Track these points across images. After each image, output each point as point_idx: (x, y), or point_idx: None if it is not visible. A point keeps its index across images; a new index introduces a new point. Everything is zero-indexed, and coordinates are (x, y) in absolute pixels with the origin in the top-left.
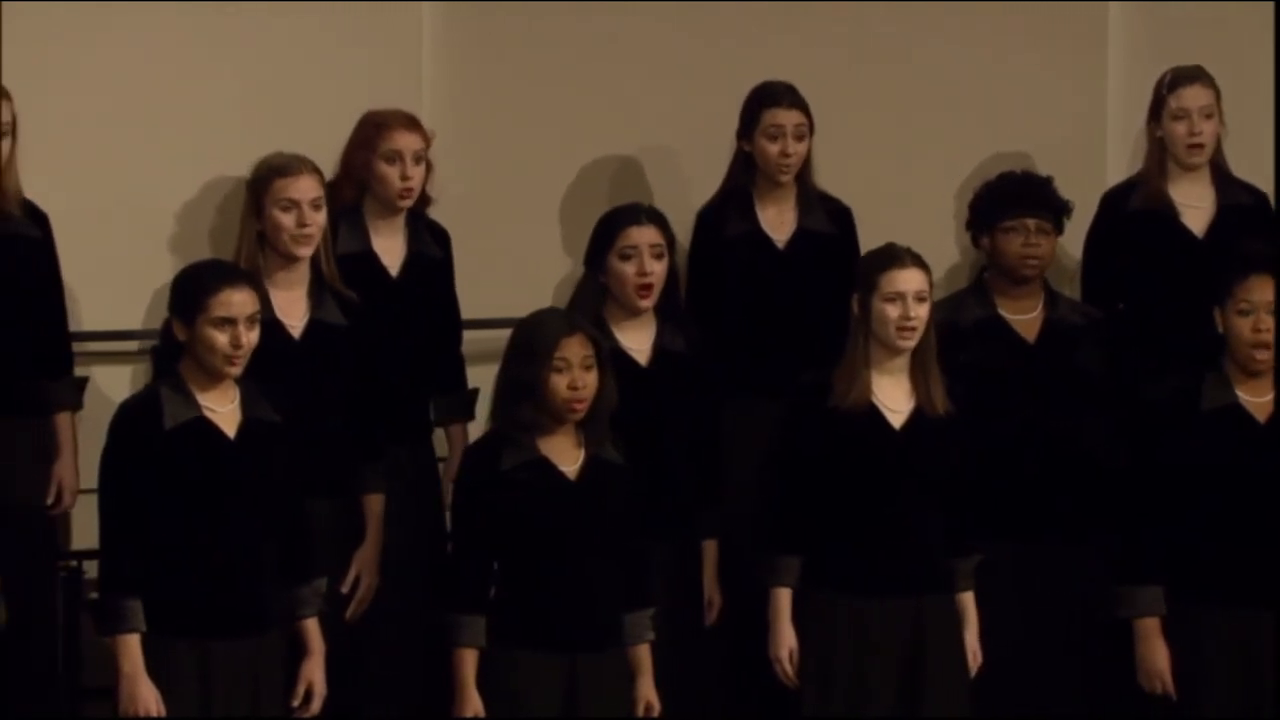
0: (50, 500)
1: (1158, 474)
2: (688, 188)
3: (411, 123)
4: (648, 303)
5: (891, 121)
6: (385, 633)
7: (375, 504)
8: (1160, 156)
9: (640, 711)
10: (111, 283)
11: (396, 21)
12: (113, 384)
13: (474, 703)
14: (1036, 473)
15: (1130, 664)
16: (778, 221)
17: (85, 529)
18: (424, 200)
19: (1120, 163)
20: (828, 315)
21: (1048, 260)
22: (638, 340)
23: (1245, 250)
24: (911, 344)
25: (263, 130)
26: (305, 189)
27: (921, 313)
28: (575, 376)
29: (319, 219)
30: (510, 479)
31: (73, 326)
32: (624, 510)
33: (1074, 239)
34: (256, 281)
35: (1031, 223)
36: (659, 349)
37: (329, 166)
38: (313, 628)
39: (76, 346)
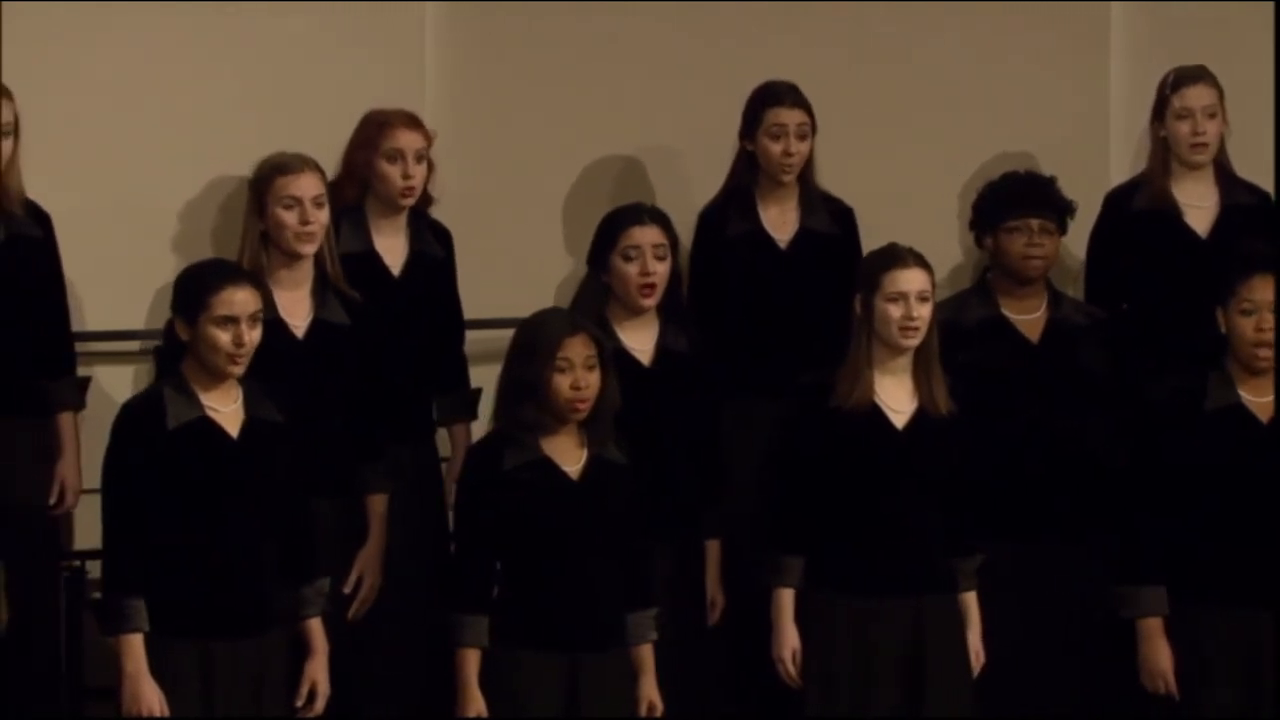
0: (52, 500)
1: (1161, 474)
2: (690, 188)
3: (413, 121)
4: (650, 302)
5: (894, 122)
6: (388, 633)
7: (378, 504)
8: (1164, 156)
9: (643, 711)
10: (114, 282)
11: (399, 21)
12: (115, 384)
13: (476, 703)
14: (1040, 473)
15: (1130, 664)
16: (780, 221)
17: (88, 529)
18: (426, 200)
19: (1123, 163)
20: (829, 315)
21: (1051, 260)
22: (640, 340)
23: (1247, 250)
24: (914, 344)
25: (265, 130)
26: (307, 186)
27: (924, 312)
28: (578, 376)
29: (322, 217)
30: (513, 479)
31: (75, 326)
32: (626, 510)
33: (1077, 239)
34: (259, 280)
35: (1035, 223)
36: (661, 349)
37: (332, 167)
38: (316, 628)
39: (79, 346)
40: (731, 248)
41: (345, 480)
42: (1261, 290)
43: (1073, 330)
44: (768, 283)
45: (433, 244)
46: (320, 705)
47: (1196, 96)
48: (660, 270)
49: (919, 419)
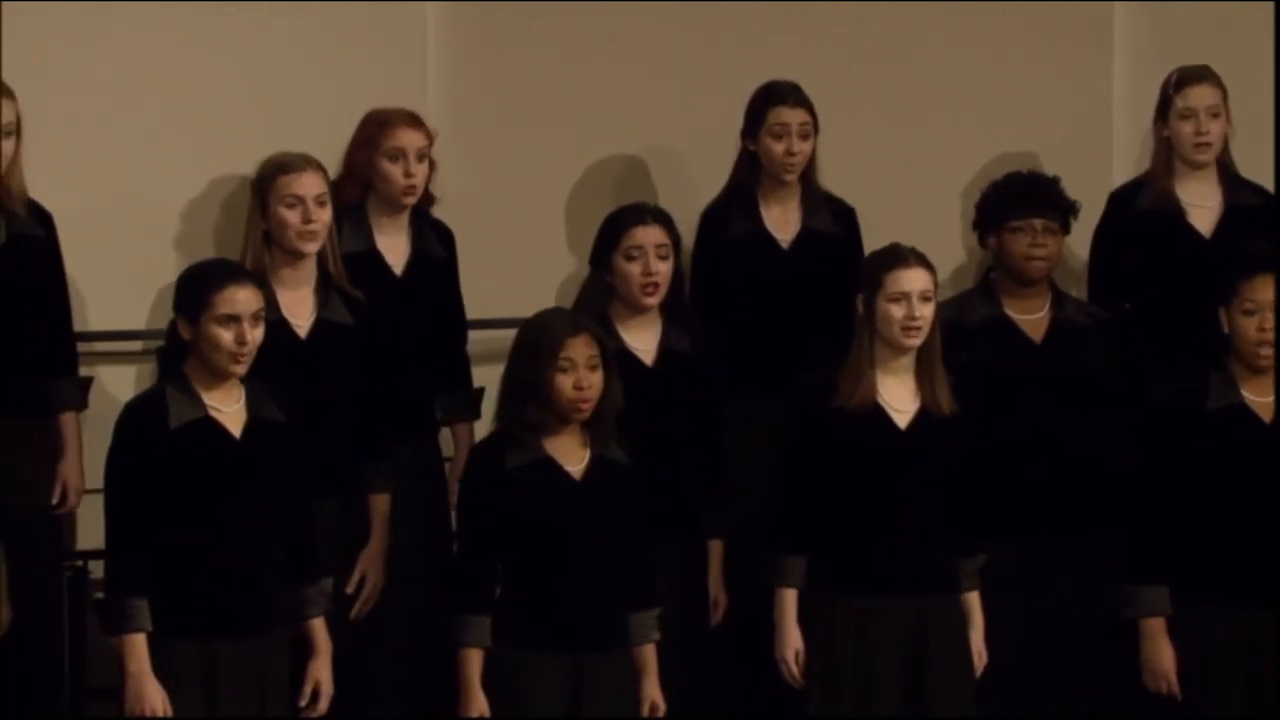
0: (55, 500)
1: (1164, 474)
2: (693, 187)
3: (414, 120)
4: (653, 302)
5: (897, 122)
6: (391, 632)
7: (381, 503)
8: (1167, 156)
9: (645, 711)
10: (116, 282)
11: (401, 21)
12: (118, 384)
13: (479, 703)
14: (1042, 473)
15: (1131, 663)
16: (782, 221)
17: (90, 529)
18: (428, 199)
19: (1126, 163)
20: (831, 315)
21: (1055, 260)
22: (643, 340)
23: (1250, 250)
24: (916, 343)
25: (268, 130)
26: (309, 185)
27: (926, 312)
28: (580, 376)
29: (324, 216)
30: (515, 479)
31: (77, 326)
32: (629, 510)
33: (1080, 239)
34: (261, 280)
35: (1038, 223)
36: (664, 349)
37: (335, 167)
38: (319, 627)
39: (81, 346)
40: (734, 247)
41: (348, 480)
42: (1264, 290)
43: (1076, 330)
44: (770, 282)
45: (434, 243)
46: (323, 705)
47: (1200, 96)
48: (663, 270)
49: (921, 419)
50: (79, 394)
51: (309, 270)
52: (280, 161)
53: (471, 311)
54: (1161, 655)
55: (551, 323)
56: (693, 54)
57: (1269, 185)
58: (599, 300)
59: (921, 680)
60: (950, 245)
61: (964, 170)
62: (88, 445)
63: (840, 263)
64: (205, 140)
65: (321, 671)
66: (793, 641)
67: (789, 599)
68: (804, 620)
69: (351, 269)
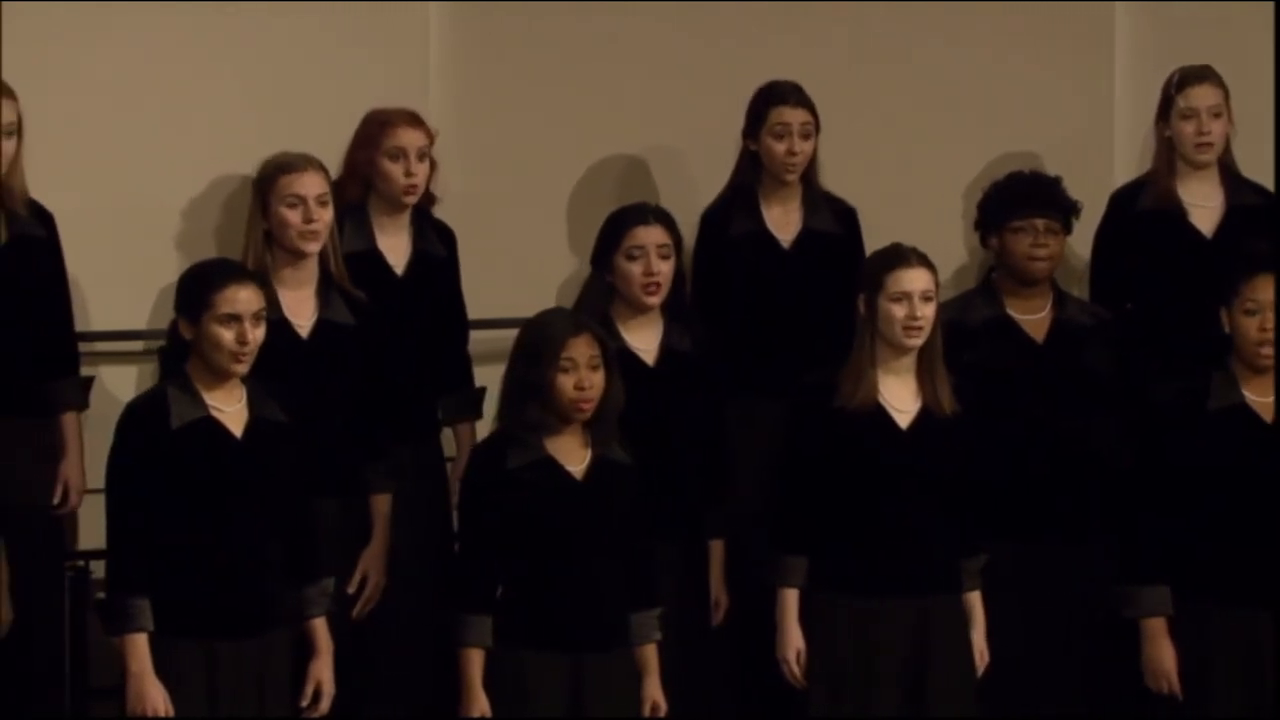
0: (56, 500)
1: (1165, 474)
2: (694, 187)
3: (415, 120)
4: (655, 301)
5: (898, 122)
6: (392, 632)
7: (382, 504)
8: (1169, 156)
9: (646, 712)
10: (117, 282)
11: (403, 21)
12: (119, 384)
13: (480, 702)
14: (1044, 473)
15: (1132, 664)
16: (783, 221)
17: (92, 529)
18: (429, 199)
19: (1127, 163)
20: (833, 315)
21: (1056, 260)
22: (644, 340)
23: (1251, 250)
24: (918, 343)
25: (270, 130)
26: (310, 185)
27: (927, 312)
28: (582, 376)
29: (325, 215)
30: (517, 479)
31: (79, 326)
32: (630, 510)
33: (1082, 239)
34: (263, 280)
35: (1040, 223)
36: (666, 349)
37: (337, 167)
38: (320, 627)
39: (83, 346)
40: (735, 247)
41: (349, 480)
42: (1265, 290)
43: (1078, 330)
44: (771, 283)
45: (436, 243)
46: (325, 705)
47: (1201, 96)
48: (664, 270)
49: (923, 419)
50: (80, 394)
51: (310, 270)
52: (282, 161)
53: (473, 311)
54: (1163, 655)
55: (553, 323)
56: (694, 54)
57: (1269, 185)
58: (600, 300)
59: (923, 680)
60: (952, 245)
61: (965, 170)
62: (89, 445)
63: (841, 263)
64: (207, 140)
65: (323, 671)
66: (794, 641)
67: (790, 599)
68: (805, 620)
69: (353, 269)
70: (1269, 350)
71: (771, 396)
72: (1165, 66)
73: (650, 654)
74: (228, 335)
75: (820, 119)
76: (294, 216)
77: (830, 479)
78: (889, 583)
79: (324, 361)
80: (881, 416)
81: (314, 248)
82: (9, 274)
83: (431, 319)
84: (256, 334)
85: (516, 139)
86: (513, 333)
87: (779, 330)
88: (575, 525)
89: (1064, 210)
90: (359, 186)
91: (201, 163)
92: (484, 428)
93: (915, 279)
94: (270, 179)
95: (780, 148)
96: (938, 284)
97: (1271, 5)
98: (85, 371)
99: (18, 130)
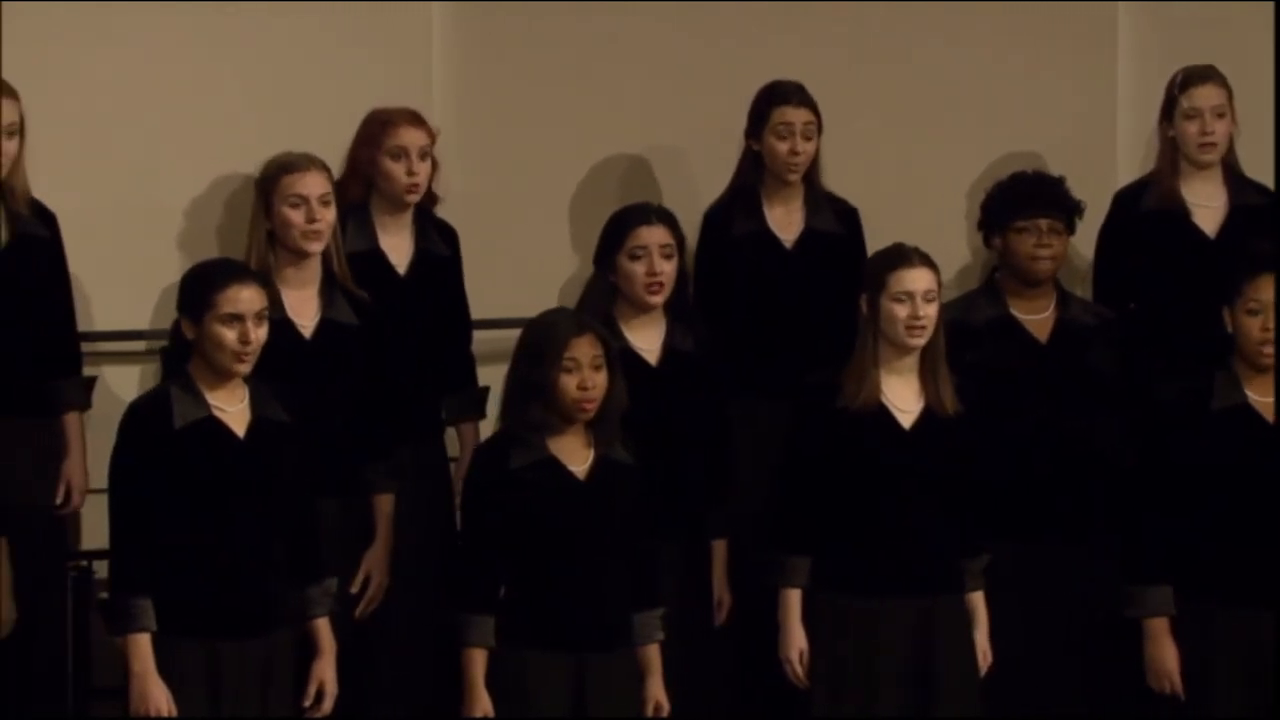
0: (59, 500)
1: (1168, 473)
2: (696, 187)
3: (416, 119)
4: (657, 301)
5: (901, 122)
6: (395, 632)
7: (385, 504)
8: (1172, 156)
9: (649, 712)
10: (120, 282)
11: (406, 21)
12: (121, 384)
13: (483, 702)
14: (1048, 473)
15: (1133, 663)
16: (785, 221)
17: (95, 529)
18: (431, 198)
19: (1130, 163)
20: (835, 315)
21: (1060, 260)
22: (647, 340)
23: (1254, 250)
24: (920, 343)
25: (272, 130)
26: (313, 185)
27: (930, 312)
28: (585, 377)
29: (328, 215)
30: (519, 479)
31: (81, 326)
32: (633, 510)
33: (1085, 239)
34: (265, 279)
35: (1044, 223)
36: (669, 349)
37: (340, 167)
38: (323, 627)
39: (85, 346)
40: (737, 248)
41: (352, 480)
42: (1267, 290)
43: (1081, 330)
44: (773, 283)
45: (438, 242)
46: (328, 705)
47: (1205, 96)
48: (667, 270)
49: (926, 419)
50: (83, 394)
51: (313, 270)
52: (284, 161)
53: (475, 312)
54: (1165, 655)
55: (556, 323)
56: (696, 54)
57: (1270, 184)
58: (603, 300)
59: (926, 680)
60: (954, 245)
61: (968, 170)
62: (92, 445)
63: (843, 263)
64: (209, 140)
65: (325, 671)
66: (797, 642)
67: (793, 599)
68: (808, 620)
69: (355, 269)
70: (1271, 350)
71: (774, 396)
72: (1168, 66)
73: (653, 654)
74: (230, 335)
75: (828, 120)
76: (297, 216)
77: (833, 479)
78: (891, 583)
79: (327, 361)
80: (884, 417)
81: (317, 247)
82: (11, 274)
83: (434, 318)
84: (259, 334)
85: (519, 139)
86: (515, 333)
87: (781, 330)
88: (578, 525)
89: (1067, 210)
90: (361, 186)
91: (204, 162)
92: (487, 428)
93: (918, 279)
94: (273, 179)
95: (783, 147)
96: (940, 284)
97: (1272, 5)
98: (88, 371)
99: (20, 130)
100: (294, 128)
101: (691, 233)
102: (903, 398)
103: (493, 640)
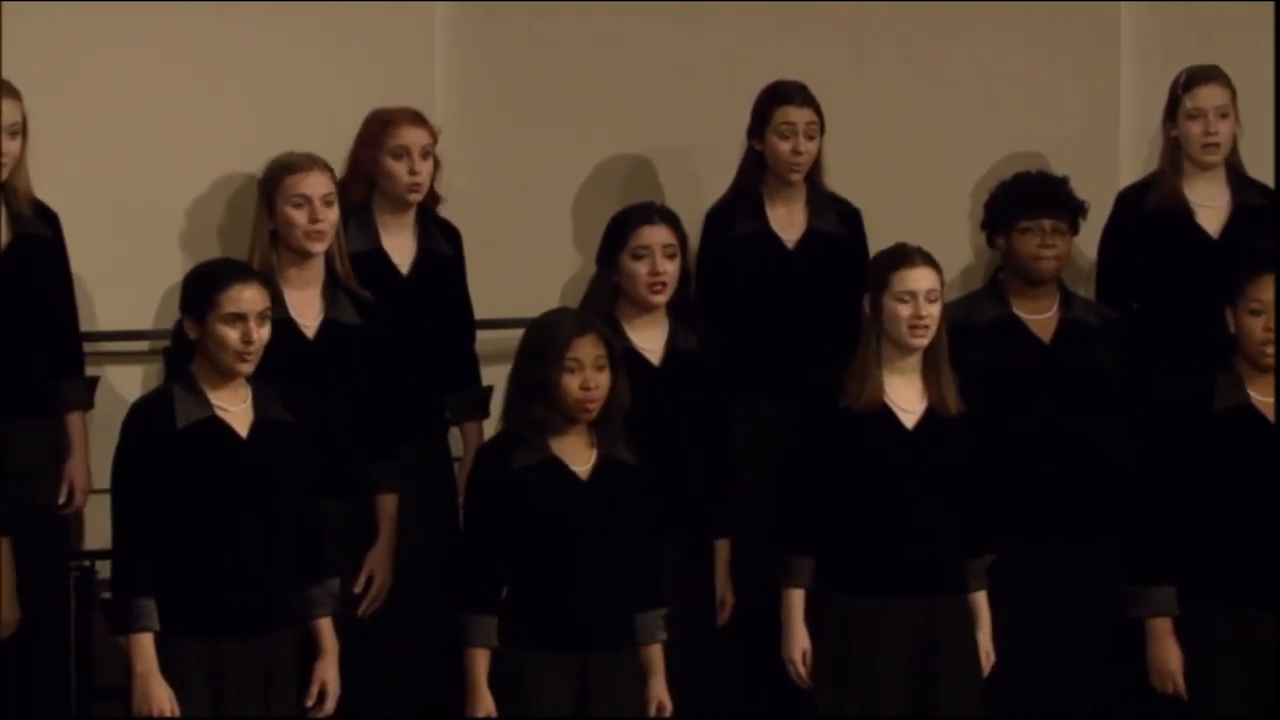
0: (62, 500)
1: (1170, 473)
2: (699, 187)
3: (418, 118)
4: (660, 299)
5: (904, 122)
6: (397, 632)
7: (388, 504)
8: (1175, 156)
9: (652, 712)
10: (122, 282)
11: (409, 21)
12: (124, 383)
13: (486, 702)
14: (1051, 472)
15: (1137, 664)
16: (787, 221)
17: (97, 529)
18: (433, 198)
19: (1133, 163)
20: (837, 315)
21: (1063, 260)
22: (650, 340)
23: (1257, 250)
24: (923, 343)
25: (275, 130)
26: (316, 185)
27: (933, 312)
28: (587, 377)
29: (331, 215)
30: (522, 479)
31: (84, 326)
32: (636, 510)
33: (1089, 239)
34: (268, 279)
35: (1047, 223)
36: (671, 348)
37: (342, 167)
38: (326, 627)
39: (88, 346)
40: (739, 248)
41: (355, 480)
42: (1270, 290)
43: (1084, 330)
44: (775, 283)
45: (441, 242)
46: (330, 705)
47: (1209, 96)
48: (670, 269)
49: (929, 419)
50: (85, 394)
51: (316, 270)
52: (287, 161)
53: (478, 311)
54: (1168, 655)
55: (558, 323)
56: (699, 54)
57: (1270, 184)
58: (606, 300)
59: (929, 681)
60: (957, 245)
61: (970, 170)
62: (94, 445)
63: (845, 263)
64: (211, 140)
65: (328, 671)
66: (800, 642)
67: (796, 599)
68: (811, 620)
69: (358, 268)
70: (1273, 350)
71: (776, 396)
72: (1171, 66)
73: (655, 654)
74: (233, 335)
75: (830, 120)
76: (300, 216)
77: (836, 479)
78: (895, 583)
79: (330, 361)
80: (887, 417)
81: (320, 247)
82: (14, 274)
83: (437, 318)
84: (262, 333)
85: (521, 139)
86: (517, 333)
87: (783, 330)
88: (580, 525)
89: (1071, 210)
90: (363, 186)
91: (206, 162)
92: (490, 428)
93: (920, 278)
94: (276, 179)
95: (785, 147)
96: (943, 283)
97: (1272, 5)
98: (90, 371)
99: (22, 130)
100: (296, 127)
101: (694, 232)
102: (906, 398)
103: (495, 640)
